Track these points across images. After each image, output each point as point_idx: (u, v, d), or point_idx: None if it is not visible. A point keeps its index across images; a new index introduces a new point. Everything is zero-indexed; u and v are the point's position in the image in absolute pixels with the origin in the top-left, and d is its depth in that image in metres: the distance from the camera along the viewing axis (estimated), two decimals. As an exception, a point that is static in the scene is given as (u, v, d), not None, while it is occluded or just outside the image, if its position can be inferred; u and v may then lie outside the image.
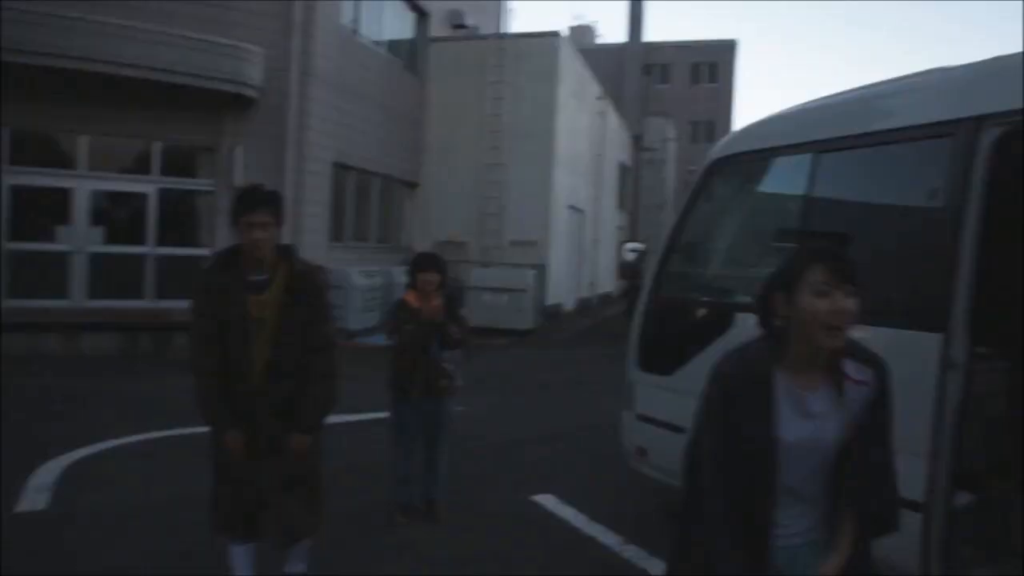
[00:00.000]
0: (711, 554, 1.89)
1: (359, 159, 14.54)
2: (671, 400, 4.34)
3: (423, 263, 4.67)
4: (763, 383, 1.88)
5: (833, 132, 3.81)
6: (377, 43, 15.43)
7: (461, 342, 4.71)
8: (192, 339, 3.12)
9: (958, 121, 3.19)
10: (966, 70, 3.48)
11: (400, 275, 14.85)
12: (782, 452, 1.88)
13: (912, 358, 3.13)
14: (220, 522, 3.25)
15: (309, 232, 12.76)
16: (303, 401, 3.15)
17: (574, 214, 19.94)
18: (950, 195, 3.16)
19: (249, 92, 11.80)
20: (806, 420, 1.90)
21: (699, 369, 4.13)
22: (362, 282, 13.37)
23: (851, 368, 1.91)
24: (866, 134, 3.64)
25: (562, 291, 18.78)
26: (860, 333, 3.42)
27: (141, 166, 11.87)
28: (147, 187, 11.86)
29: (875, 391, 1.92)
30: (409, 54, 16.96)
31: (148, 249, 11.84)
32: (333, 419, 3.41)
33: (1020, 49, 3.23)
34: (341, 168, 13.98)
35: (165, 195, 11.94)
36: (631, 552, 4.39)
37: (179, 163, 12.15)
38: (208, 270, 3.16)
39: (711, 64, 40.71)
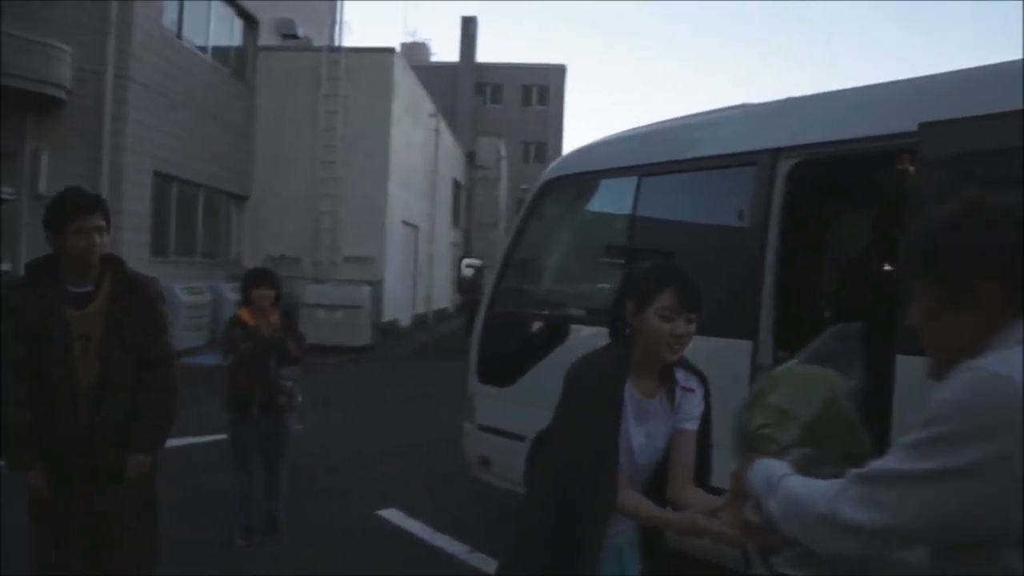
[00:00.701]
0: (549, 553, 2.01)
1: (183, 169, 13.79)
2: (511, 410, 4.52)
3: (258, 278, 4.57)
4: (612, 389, 2.03)
5: (655, 157, 4.16)
6: (203, 49, 14.75)
7: (299, 358, 4.64)
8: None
9: (760, 152, 3.59)
10: (767, 107, 3.94)
11: (229, 291, 14.20)
12: (623, 454, 2.04)
13: (727, 364, 3.48)
14: (43, 571, 2.89)
15: (128, 246, 11.92)
16: (142, 419, 2.92)
17: (409, 230, 19.97)
18: (754, 217, 3.55)
19: (56, 92, 10.93)
20: (645, 424, 2.08)
21: (536, 380, 4.37)
22: (187, 299, 12.67)
23: (682, 376, 2.13)
24: (684, 160, 4.00)
25: (398, 307, 18.72)
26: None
27: (-74, 171, 10.66)
28: (-67, 194, 10.67)
29: (702, 400, 2.15)
30: (237, 62, 16.34)
31: (-66, 263, 10.64)
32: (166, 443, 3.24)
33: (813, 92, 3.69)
34: (163, 178, 13.21)
35: (-45, 203, 10.78)
36: (478, 559, 4.51)
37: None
38: (18, 286, 2.90)
39: (542, 87, 42.14)
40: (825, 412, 1.65)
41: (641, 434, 2.08)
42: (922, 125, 2.97)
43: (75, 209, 2.81)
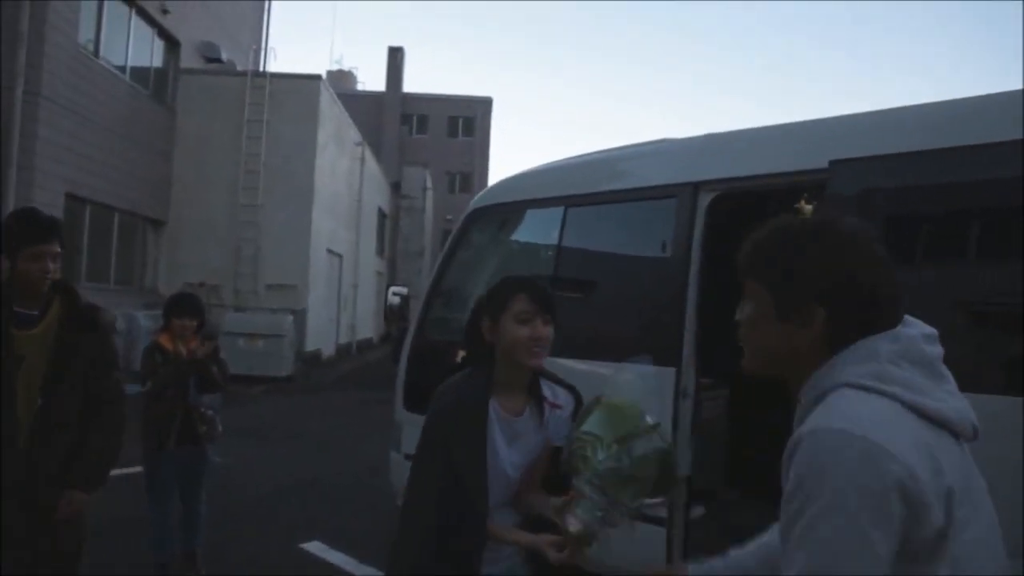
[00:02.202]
0: None
1: (96, 191, 13.29)
2: (437, 438, 4.48)
3: (180, 307, 4.42)
4: (477, 411, 2.02)
5: (581, 188, 4.25)
6: (121, 68, 14.32)
7: (221, 386, 4.52)
8: None
9: (681, 185, 3.72)
10: (688, 142, 4.09)
11: (143, 319, 13.69)
12: (497, 476, 2.03)
13: (652, 389, 3.56)
14: None
15: (33, 270, 11.41)
16: (84, 454, 2.74)
17: (333, 258, 19.71)
18: (676, 248, 3.67)
19: (-40, 109, 10.44)
20: (516, 443, 2.07)
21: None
22: (97, 326, 12.13)
23: (549, 392, 2.14)
24: (608, 192, 4.11)
25: (321, 336, 18.39)
26: (608, 370, 3.82)
27: None
28: None
29: (571, 415, 2.13)
30: (157, 83, 15.92)
31: None
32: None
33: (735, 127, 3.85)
34: (75, 200, 12.70)
35: None
36: (402, 590, 4.42)
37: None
38: None
39: (468, 118, 42.49)
40: (626, 444, 1.85)
41: (514, 453, 2.07)
42: (832, 162, 3.15)
43: (31, 235, 2.68)
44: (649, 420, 1.90)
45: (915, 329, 1.21)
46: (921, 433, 1.10)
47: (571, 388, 2.19)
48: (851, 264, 1.18)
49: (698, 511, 3.68)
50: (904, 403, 1.12)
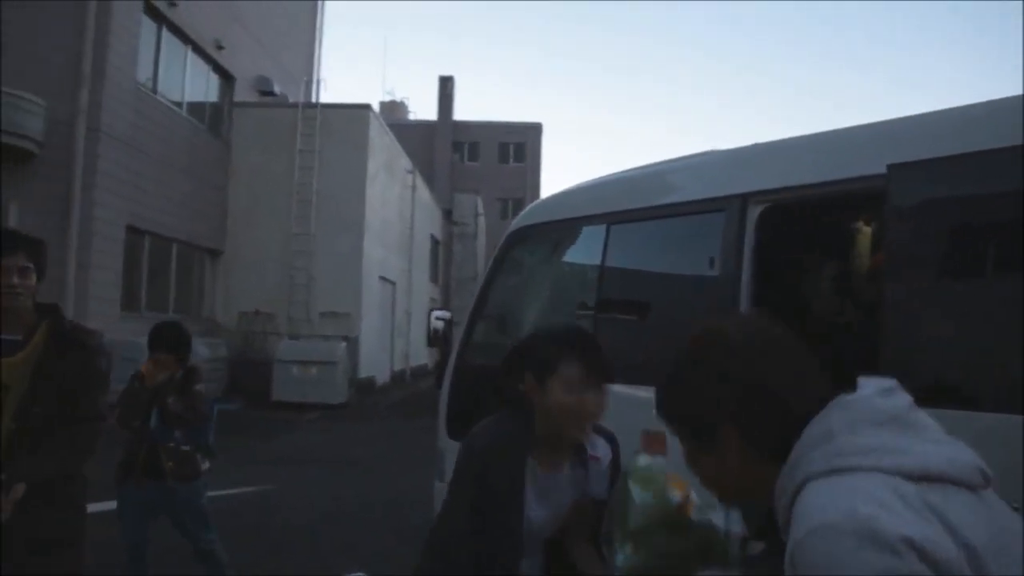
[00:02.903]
0: None
1: (156, 223, 13.65)
2: (479, 466, 4.34)
3: (156, 338, 4.08)
4: (515, 462, 1.84)
5: (623, 205, 4.09)
6: (178, 104, 14.77)
7: (184, 419, 4.07)
8: None
9: (729, 197, 3.53)
10: (735, 152, 3.90)
11: (201, 347, 13.93)
12: (525, 533, 1.86)
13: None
14: None
15: (97, 300, 11.72)
16: (40, 451, 2.50)
17: (386, 286, 19.84)
18: (724, 264, 3.47)
19: (27, 145, 10.83)
20: (547, 499, 1.89)
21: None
22: (155, 355, 12.37)
23: (591, 447, 1.94)
24: (652, 207, 3.93)
25: (375, 363, 18.47)
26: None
27: None
28: None
29: (610, 465, 1.96)
30: (213, 117, 16.37)
31: None
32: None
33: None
34: (135, 232, 13.05)
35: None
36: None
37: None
38: None
39: (518, 144, 42.70)
40: (644, 539, 1.66)
41: (544, 509, 1.88)
42: (891, 167, 2.93)
43: None
44: (677, 496, 1.69)
45: (867, 388, 1.09)
46: (916, 495, 0.95)
47: (610, 436, 1.99)
48: (737, 376, 1.10)
49: (757, 547, 3.44)
50: (882, 470, 0.98)
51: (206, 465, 4.28)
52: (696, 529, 1.70)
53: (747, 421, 1.09)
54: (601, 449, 1.96)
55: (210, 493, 6.93)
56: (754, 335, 1.15)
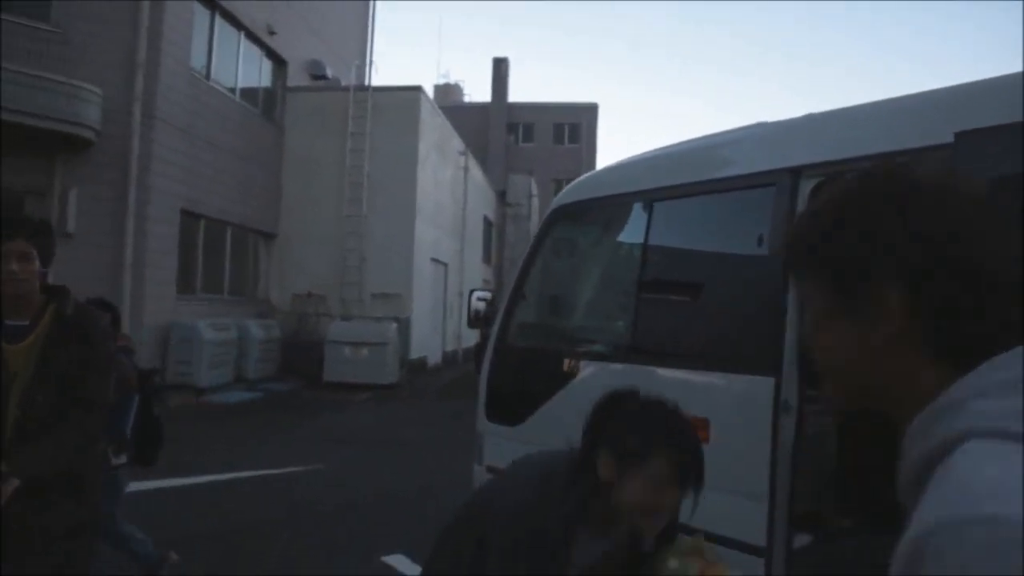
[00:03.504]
0: None
1: (210, 207, 13.87)
2: (518, 451, 4.21)
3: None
4: (556, 545, 1.59)
5: (669, 180, 3.90)
6: (232, 89, 14.94)
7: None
8: None
9: (780, 171, 3.32)
10: (787, 124, 3.66)
11: (255, 328, 14.17)
12: None
13: (748, 402, 3.18)
14: None
15: (154, 283, 11.98)
16: (35, 445, 2.43)
17: (438, 267, 19.86)
18: (775, 241, 3.26)
19: (86, 133, 11.07)
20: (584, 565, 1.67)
21: (546, 419, 4.09)
22: (212, 336, 12.63)
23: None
24: (699, 183, 3.73)
25: (427, 344, 18.53)
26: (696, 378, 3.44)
27: (-43, 211, 10.79)
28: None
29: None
30: (266, 102, 16.52)
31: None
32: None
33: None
34: (190, 216, 13.28)
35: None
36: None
37: (4, 209, 11.15)
38: None
39: (573, 125, 42.23)
40: None
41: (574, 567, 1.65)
42: (959, 135, 2.69)
43: None
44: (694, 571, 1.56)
45: None
46: None
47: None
48: (945, 228, 0.78)
49: (802, 540, 3.25)
50: None
51: (121, 459, 3.95)
52: None
53: (931, 294, 0.77)
54: None
55: (260, 472, 7.04)
56: (977, 195, 0.82)
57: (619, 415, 1.68)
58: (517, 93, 46.81)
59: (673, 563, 1.60)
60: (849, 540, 3.56)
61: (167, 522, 5.55)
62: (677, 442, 1.59)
